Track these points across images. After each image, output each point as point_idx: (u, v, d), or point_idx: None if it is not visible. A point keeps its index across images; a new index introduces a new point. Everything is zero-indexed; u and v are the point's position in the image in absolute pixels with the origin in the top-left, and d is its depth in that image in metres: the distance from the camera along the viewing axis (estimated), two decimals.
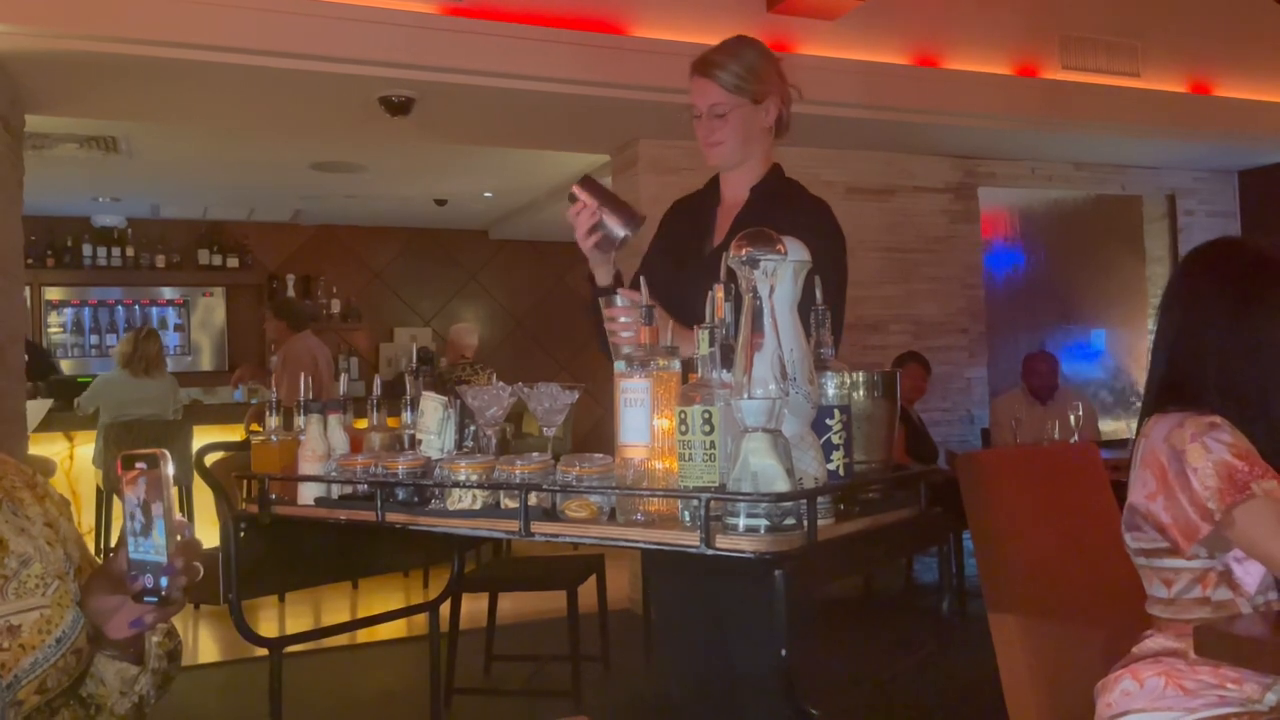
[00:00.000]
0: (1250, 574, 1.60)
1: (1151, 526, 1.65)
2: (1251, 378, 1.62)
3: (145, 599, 1.13)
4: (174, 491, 1.15)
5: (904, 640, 3.97)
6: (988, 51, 5.46)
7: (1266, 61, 6.15)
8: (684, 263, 2.07)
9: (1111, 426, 6.74)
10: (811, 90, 5.53)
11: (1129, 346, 7.08)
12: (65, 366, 7.93)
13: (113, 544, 5.92)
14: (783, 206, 2.02)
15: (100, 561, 1.28)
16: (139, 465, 1.12)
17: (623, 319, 1.80)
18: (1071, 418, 4.62)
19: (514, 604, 4.49)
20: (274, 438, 2.02)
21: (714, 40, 5.21)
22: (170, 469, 1.13)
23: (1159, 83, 5.86)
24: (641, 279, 1.53)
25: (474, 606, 4.00)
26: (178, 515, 1.14)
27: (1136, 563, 1.73)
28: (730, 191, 2.11)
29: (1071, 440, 4.50)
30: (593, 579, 3.90)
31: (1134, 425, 6.76)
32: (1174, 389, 1.67)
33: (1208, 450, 1.55)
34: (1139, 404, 6.36)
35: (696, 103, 2.05)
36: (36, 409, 5.66)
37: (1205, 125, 6.00)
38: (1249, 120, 6.06)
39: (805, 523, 1.33)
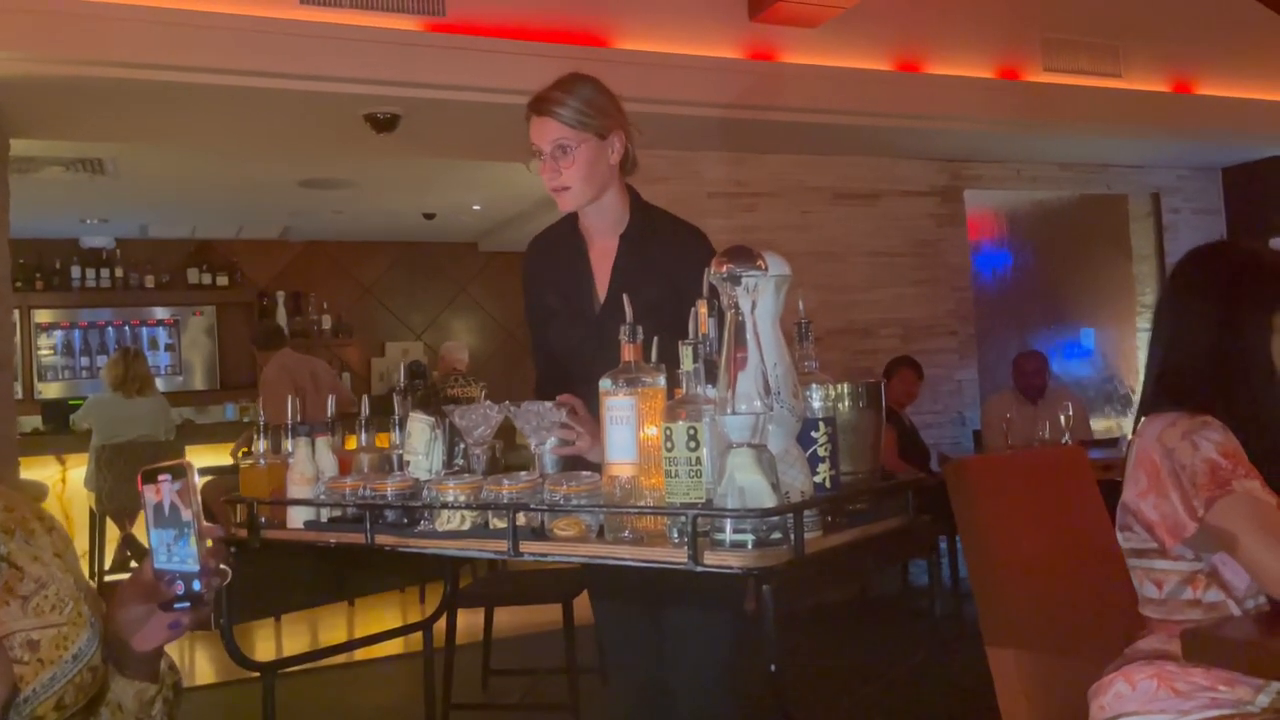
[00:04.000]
0: (1239, 576, 1.61)
1: (1141, 525, 1.66)
2: (1242, 378, 1.64)
3: (176, 606, 1.15)
4: (200, 498, 1.16)
5: (897, 645, 3.97)
6: (970, 55, 5.49)
7: (1247, 59, 6.19)
8: (574, 321, 2.03)
9: (1102, 425, 6.77)
10: (795, 97, 5.60)
11: (1118, 344, 7.11)
12: (56, 389, 7.90)
13: (106, 566, 5.90)
14: (660, 248, 1.99)
15: (95, 588, 1.29)
16: (162, 477, 1.13)
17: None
18: (1062, 418, 4.63)
19: (510, 617, 4.48)
20: (262, 460, 2.02)
21: (697, 51, 5.22)
22: (196, 477, 1.15)
23: (1141, 83, 5.90)
24: (625, 297, 1.54)
25: (471, 620, 3.99)
26: (205, 522, 1.16)
27: (1129, 563, 1.74)
28: (599, 234, 2.04)
29: (1063, 440, 4.52)
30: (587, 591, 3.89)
31: (1125, 423, 6.78)
32: (1168, 389, 1.69)
33: (1196, 448, 1.57)
34: (1129, 402, 6.37)
35: (537, 143, 1.96)
36: None
37: (1188, 124, 6.03)
38: (1231, 118, 6.10)
39: (792, 536, 1.33)
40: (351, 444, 2.14)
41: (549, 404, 1.67)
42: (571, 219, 2.09)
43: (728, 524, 1.31)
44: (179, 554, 1.14)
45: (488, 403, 1.75)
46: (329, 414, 2.06)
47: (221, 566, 1.17)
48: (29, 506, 1.25)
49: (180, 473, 1.14)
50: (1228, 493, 1.53)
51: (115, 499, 5.82)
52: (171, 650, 1.33)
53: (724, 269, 1.37)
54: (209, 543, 1.15)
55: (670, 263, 1.96)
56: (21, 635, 1.12)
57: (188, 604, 1.15)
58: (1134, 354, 7.04)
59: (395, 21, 4.25)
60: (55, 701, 1.13)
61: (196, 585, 1.14)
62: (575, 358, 2.03)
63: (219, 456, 6.10)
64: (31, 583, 1.16)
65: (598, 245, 2.05)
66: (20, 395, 7.12)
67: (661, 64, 4.64)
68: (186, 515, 1.13)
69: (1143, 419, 1.71)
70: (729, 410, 1.32)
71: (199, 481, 1.17)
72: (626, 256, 2.00)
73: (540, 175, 1.99)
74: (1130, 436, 1.77)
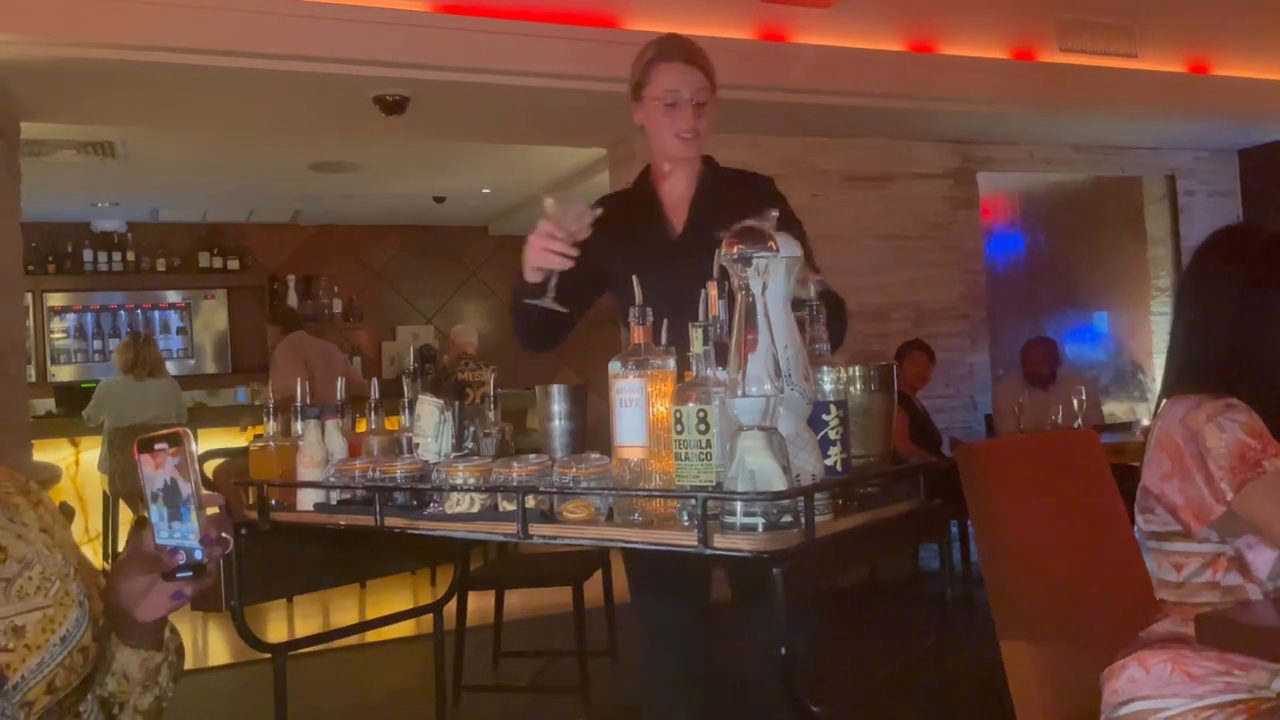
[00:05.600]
0: (1262, 559, 1.60)
1: (1164, 508, 1.65)
2: (1265, 361, 1.64)
3: (179, 575, 1.13)
4: (199, 467, 1.13)
5: (908, 630, 3.96)
6: (983, 36, 5.44)
7: (1264, 40, 6.11)
8: (649, 256, 2.03)
9: (1115, 409, 6.73)
10: (807, 78, 5.52)
11: (1132, 328, 7.06)
12: (69, 372, 7.93)
13: (121, 547, 5.93)
14: (737, 184, 2.07)
15: (97, 566, 1.28)
16: (159, 446, 1.11)
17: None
18: (1075, 402, 4.61)
19: (521, 599, 4.50)
20: (272, 443, 2.02)
21: (708, 32, 5.18)
22: (194, 446, 1.12)
23: (1157, 63, 5.83)
24: (634, 279, 1.53)
25: (482, 602, 4.01)
26: (205, 490, 1.13)
27: (1147, 546, 1.73)
28: (671, 186, 2.11)
29: (1075, 424, 4.49)
30: (599, 574, 3.90)
31: (1139, 408, 6.71)
32: (1190, 372, 1.69)
33: (1222, 430, 1.56)
34: (1143, 386, 6.30)
35: (677, 88, 2.01)
36: None
37: (1204, 105, 5.97)
38: (1248, 99, 6.03)
39: (803, 520, 1.32)
40: (362, 427, 2.14)
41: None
42: (643, 177, 2.15)
43: (738, 507, 1.31)
44: (180, 523, 1.12)
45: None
46: (339, 397, 2.06)
47: (223, 535, 1.14)
48: (12, 481, 1.22)
49: (177, 441, 1.10)
50: (1259, 474, 1.52)
51: (128, 481, 5.84)
52: (183, 631, 1.32)
53: (734, 250, 1.36)
54: (209, 511, 1.13)
55: (744, 198, 1.99)
56: (4, 622, 1.10)
57: (190, 573, 1.13)
58: (1148, 338, 7.00)
59: (404, 2, 4.23)
60: (45, 686, 1.11)
61: (198, 554, 1.12)
62: (655, 291, 2.00)
63: (230, 439, 6.13)
64: (15, 564, 1.14)
65: (672, 194, 2.11)
66: (33, 378, 7.16)
67: None
68: (186, 485, 1.11)
69: (1164, 401, 1.70)
70: (739, 393, 1.31)
71: (196, 450, 1.14)
72: (704, 190, 2.08)
73: (659, 118, 2.03)
74: (1150, 419, 1.76)
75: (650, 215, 2.10)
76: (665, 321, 1.55)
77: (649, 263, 2.01)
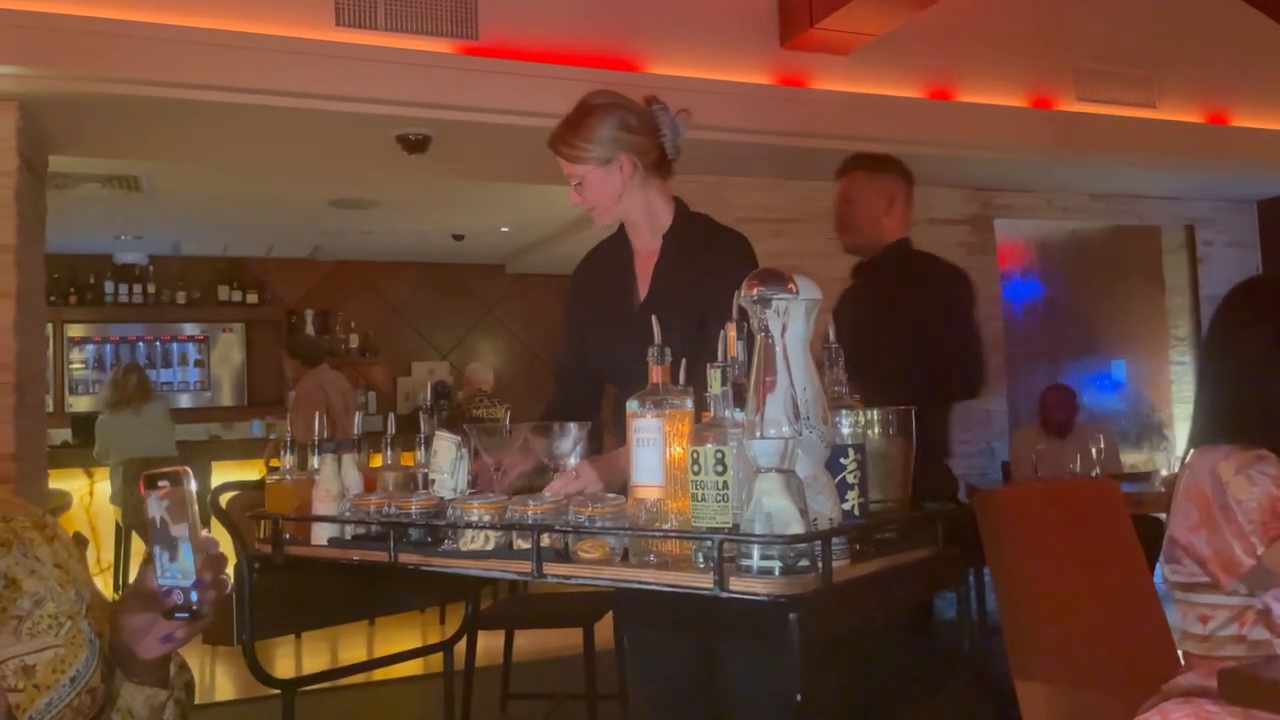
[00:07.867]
0: None
1: (1191, 559, 1.63)
2: None
3: (176, 615, 1.12)
4: (197, 508, 1.13)
5: (924, 680, 3.90)
6: (1002, 84, 5.47)
7: None
8: (613, 322, 2.07)
9: (1133, 458, 6.67)
10: (826, 124, 5.57)
11: (1150, 377, 7.01)
12: (86, 403, 7.98)
13: (132, 579, 5.92)
14: (700, 247, 2.05)
15: (113, 599, 1.27)
16: (162, 484, 1.11)
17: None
18: (1093, 451, 4.57)
19: (531, 640, 4.45)
20: (288, 477, 2.02)
21: (728, 77, 5.21)
22: (193, 485, 1.12)
23: (1175, 113, 5.85)
24: (654, 319, 1.53)
25: (491, 642, 3.97)
26: (203, 532, 1.13)
27: (1172, 597, 1.71)
28: (640, 241, 2.13)
29: (1094, 474, 4.45)
30: (609, 616, 3.86)
31: (1157, 457, 6.61)
32: (1219, 423, 1.69)
33: (1252, 483, 1.55)
34: (1161, 435, 6.21)
35: (566, 174, 2.10)
36: None
37: (1223, 156, 5.97)
38: (1267, 150, 6.03)
39: (820, 564, 1.31)
40: (376, 462, 2.14)
41: (569, 425, 1.68)
42: (621, 231, 2.17)
43: (755, 550, 1.29)
44: (177, 564, 1.11)
45: (508, 426, 1.75)
46: (356, 431, 2.06)
47: (221, 578, 1.14)
48: (28, 515, 1.21)
49: (176, 480, 1.11)
50: None
51: (139, 513, 5.84)
52: (193, 665, 1.31)
53: (754, 292, 1.36)
54: (205, 554, 1.12)
55: (708, 259, 2.02)
56: (15, 661, 1.09)
57: (186, 615, 1.12)
58: (1167, 387, 6.95)
59: (428, 44, 4.29)
60: None
61: (193, 597, 1.11)
62: (612, 359, 2.05)
63: (245, 472, 6.14)
64: (28, 601, 1.13)
65: (643, 252, 2.12)
66: (51, 408, 7.20)
67: (692, 89, 4.65)
68: (182, 525, 1.10)
69: (1192, 451, 1.69)
70: (757, 434, 1.31)
71: (194, 490, 1.13)
72: (667, 255, 2.07)
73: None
74: (1169, 470, 1.75)
75: (619, 274, 2.13)
76: (684, 361, 1.54)
77: (613, 332, 2.06)
